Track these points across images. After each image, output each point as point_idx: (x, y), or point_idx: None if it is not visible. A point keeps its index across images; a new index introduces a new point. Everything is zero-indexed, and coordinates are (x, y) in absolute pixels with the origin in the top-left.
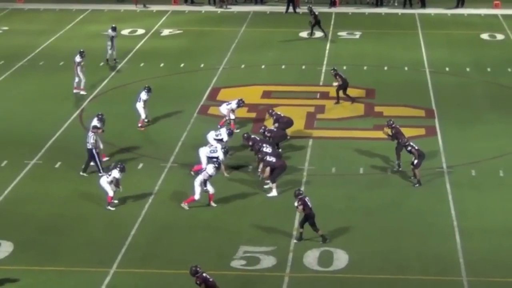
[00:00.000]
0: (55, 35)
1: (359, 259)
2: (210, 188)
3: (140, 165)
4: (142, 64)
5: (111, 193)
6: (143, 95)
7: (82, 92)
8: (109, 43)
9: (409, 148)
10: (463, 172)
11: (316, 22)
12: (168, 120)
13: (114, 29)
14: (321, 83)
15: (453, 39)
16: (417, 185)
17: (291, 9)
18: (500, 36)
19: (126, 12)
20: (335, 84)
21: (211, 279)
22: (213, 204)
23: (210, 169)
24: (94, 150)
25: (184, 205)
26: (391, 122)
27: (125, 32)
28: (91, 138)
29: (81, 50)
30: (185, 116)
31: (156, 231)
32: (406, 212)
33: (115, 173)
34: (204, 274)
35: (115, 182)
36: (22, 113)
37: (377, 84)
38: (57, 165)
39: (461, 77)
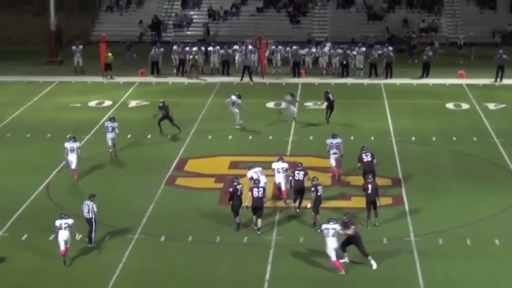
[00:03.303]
0: (22, 107)
1: None
2: None
3: (107, 237)
4: None
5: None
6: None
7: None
8: (234, 109)
9: (313, 189)
10: (430, 240)
11: (164, 117)
12: (135, 191)
13: (239, 97)
14: (288, 153)
15: (419, 108)
16: (319, 230)
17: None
18: (465, 105)
19: (93, 84)
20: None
21: None
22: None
23: None
24: (93, 219)
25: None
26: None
27: (92, 103)
28: (93, 207)
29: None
30: (152, 187)
31: None
32: (373, 280)
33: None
34: None
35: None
36: None
37: (344, 153)
38: (23, 237)
39: (427, 146)
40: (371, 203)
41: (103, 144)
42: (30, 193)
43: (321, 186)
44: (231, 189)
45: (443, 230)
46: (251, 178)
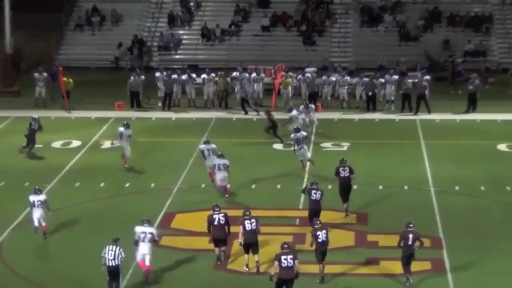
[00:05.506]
0: None
1: None
2: None
3: None
4: (77, 184)
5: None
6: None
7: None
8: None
9: (312, 234)
10: None
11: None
12: None
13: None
14: (300, 207)
15: (464, 151)
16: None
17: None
18: None
19: (58, 119)
20: None
21: None
22: None
23: None
24: (120, 268)
25: None
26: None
27: (57, 144)
28: (121, 252)
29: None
30: (132, 247)
31: None
32: None
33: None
34: None
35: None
36: None
37: (370, 207)
38: None
39: (474, 198)
40: (410, 257)
41: (69, 194)
42: None
43: (324, 231)
44: (208, 218)
45: None
46: (202, 151)
